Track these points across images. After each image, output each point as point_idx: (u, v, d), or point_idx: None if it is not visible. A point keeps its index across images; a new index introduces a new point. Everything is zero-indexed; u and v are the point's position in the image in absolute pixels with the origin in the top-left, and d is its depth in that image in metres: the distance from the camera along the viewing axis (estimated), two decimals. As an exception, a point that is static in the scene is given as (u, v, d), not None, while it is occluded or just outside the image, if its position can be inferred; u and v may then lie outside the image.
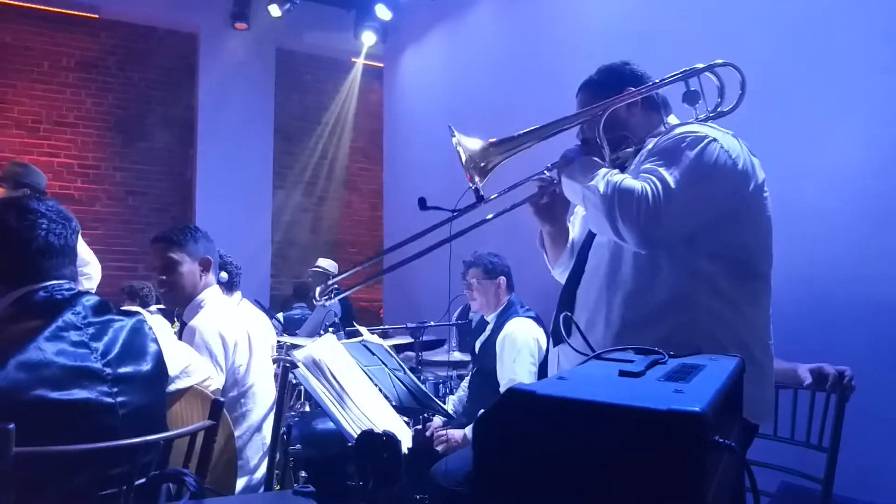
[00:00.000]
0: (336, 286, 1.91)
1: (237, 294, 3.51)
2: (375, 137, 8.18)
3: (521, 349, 3.24)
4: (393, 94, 7.55)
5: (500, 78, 5.17)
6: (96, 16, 7.24)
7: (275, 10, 7.09)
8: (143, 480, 1.50)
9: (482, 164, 1.74)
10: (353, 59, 8.13)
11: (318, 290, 1.88)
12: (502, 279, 3.55)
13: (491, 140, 1.76)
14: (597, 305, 1.77)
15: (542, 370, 3.23)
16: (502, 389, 3.24)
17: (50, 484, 1.38)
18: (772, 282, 1.77)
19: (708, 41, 3.29)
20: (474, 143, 1.76)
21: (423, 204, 1.82)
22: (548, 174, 1.95)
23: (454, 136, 1.75)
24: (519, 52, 5.13)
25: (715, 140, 1.65)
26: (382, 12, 6.95)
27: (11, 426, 1.28)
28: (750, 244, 1.70)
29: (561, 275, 2.06)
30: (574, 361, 1.67)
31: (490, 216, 1.91)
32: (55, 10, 7.08)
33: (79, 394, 1.47)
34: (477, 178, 1.74)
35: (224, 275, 3.30)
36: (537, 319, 3.42)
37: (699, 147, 1.64)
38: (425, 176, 5.88)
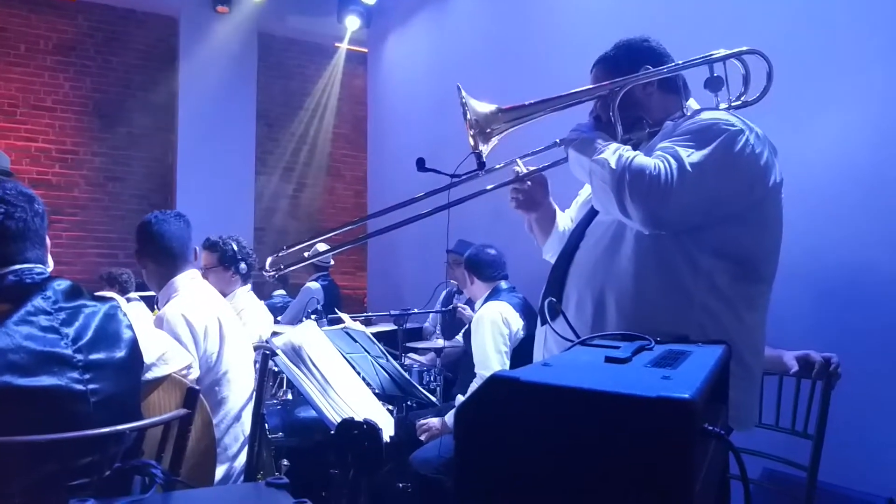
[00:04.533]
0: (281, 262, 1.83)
1: (248, 285, 3.56)
2: (359, 123, 8.12)
3: (488, 326, 3.30)
4: (377, 79, 7.48)
5: (485, 63, 5.12)
6: (74, -3, 7.11)
7: (257, -7, 7.01)
8: (108, 473, 1.46)
9: (487, 130, 1.69)
10: (336, 44, 8.04)
11: (268, 260, 1.81)
12: (465, 272, 3.68)
13: (501, 106, 1.71)
14: (590, 285, 1.72)
15: (521, 351, 3.25)
16: (476, 370, 3.30)
17: (15, 474, 1.34)
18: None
19: (697, 27, 3.27)
20: (483, 107, 1.71)
21: (421, 165, 1.78)
22: (518, 170, 1.92)
23: (462, 96, 1.69)
24: (504, 37, 5.09)
25: (743, 131, 1.59)
26: (366, -4, 6.88)
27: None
28: (757, 246, 1.65)
29: (553, 258, 2.01)
30: (561, 342, 1.65)
31: (490, 186, 1.89)
32: (32, -9, 6.95)
33: (47, 380, 1.42)
34: (480, 145, 1.69)
35: (244, 266, 3.38)
36: (523, 303, 3.43)
37: (726, 136, 1.58)
38: (410, 163, 5.83)
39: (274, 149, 8.10)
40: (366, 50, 7.87)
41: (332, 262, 6.20)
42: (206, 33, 7.48)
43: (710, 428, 0.87)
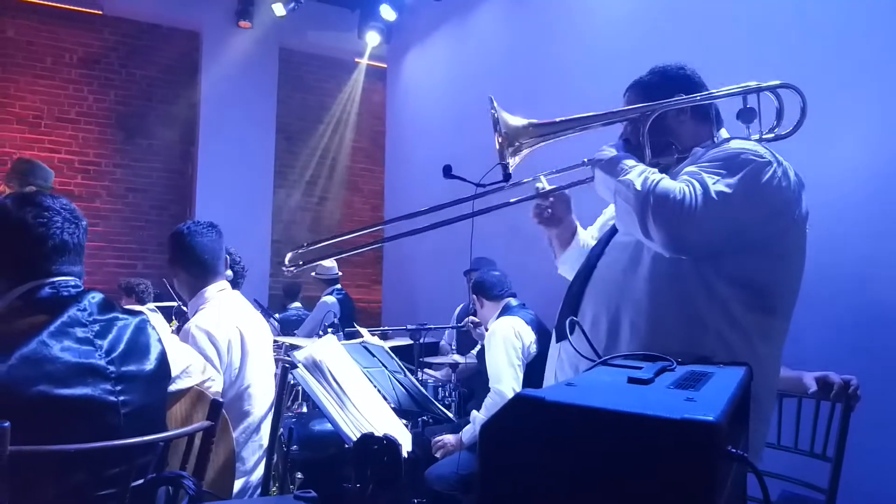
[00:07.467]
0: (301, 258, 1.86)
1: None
2: (378, 138, 8.17)
3: (501, 341, 3.36)
4: (396, 94, 7.54)
5: (504, 80, 5.15)
6: (100, 12, 7.22)
7: (279, 9, 7.08)
8: (140, 482, 1.47)
9: (516, 144, 1.71)
10: (356, 60, 8.12)
11: (287, 256, 1.83)
12: (474, 296, 3.76)
13: (532, 120, 1.74)
14: (606, 304, 1.72)
15: (533, 369, 3.27)
16: (491, 384, 3.33)
17: (46, 483, 1.36)
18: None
19: (711, 43, 3.28)
20: (514, 120, 1.73)
21: (447, 171, 1.80)
22: (541, 186, 1.93)
23: (494, 107, 1.71)
24: (523, 53, 5.12)
25: (771, 163, 1.59)
26: (387, 13, 6.94)
27: (7, 424, 1.26)
28: (775, 277, 1.64)
29: (568, 271, 2.02)
30: (574, 359, 1.65)
31: (514, 200, 1.91)
32: (59, 5, 7.07)
33: (82, 391, 1.45)
34: (508, 157, 1.71)
35: (229, 273, 3.34)
36: (534, 319, 3.46)
37: (754, 166, 1.57)
38: (427, 177, 5.88)
39: (293, 162, 8.16)
40: (385, 65, 7.94)
41: (340, 273, 6.24)
42: (228, 48, 7.58)
43: (734, 451, 0.88)
